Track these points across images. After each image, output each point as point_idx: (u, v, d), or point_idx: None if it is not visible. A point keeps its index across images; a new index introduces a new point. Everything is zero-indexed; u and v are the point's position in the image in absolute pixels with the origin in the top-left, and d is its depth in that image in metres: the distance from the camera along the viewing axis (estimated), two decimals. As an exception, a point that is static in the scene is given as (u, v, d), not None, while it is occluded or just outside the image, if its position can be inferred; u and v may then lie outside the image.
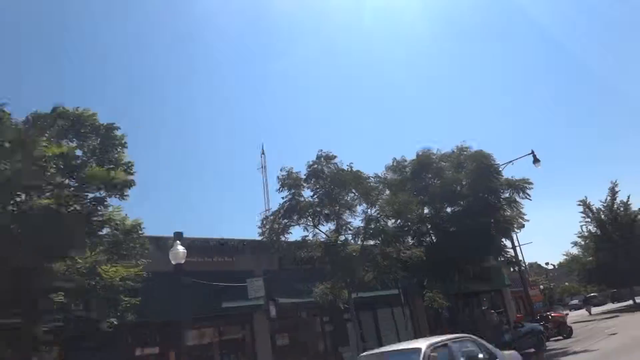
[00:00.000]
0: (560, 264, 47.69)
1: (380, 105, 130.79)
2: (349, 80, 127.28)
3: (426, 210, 22.00)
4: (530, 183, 20.97)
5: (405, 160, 22.65)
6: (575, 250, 43.46)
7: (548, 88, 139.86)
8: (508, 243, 23.21)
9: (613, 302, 63.63)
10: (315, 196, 15.98)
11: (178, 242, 12.87)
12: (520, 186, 20.95)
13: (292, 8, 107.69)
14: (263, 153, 36.05)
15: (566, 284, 68.22)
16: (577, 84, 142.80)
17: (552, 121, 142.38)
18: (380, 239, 16.35)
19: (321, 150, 16.87)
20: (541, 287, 75.35)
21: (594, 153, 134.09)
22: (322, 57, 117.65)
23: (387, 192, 19.54)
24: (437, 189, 20.79)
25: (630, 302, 48.33)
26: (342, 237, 16.67)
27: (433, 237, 21.30)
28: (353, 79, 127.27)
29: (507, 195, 21.30)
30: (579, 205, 43.08)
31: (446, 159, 21.66)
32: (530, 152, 27.44)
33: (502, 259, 22.05)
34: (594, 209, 42.88)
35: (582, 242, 42.70)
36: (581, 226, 43.10)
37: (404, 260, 17.32)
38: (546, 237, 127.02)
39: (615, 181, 42.31)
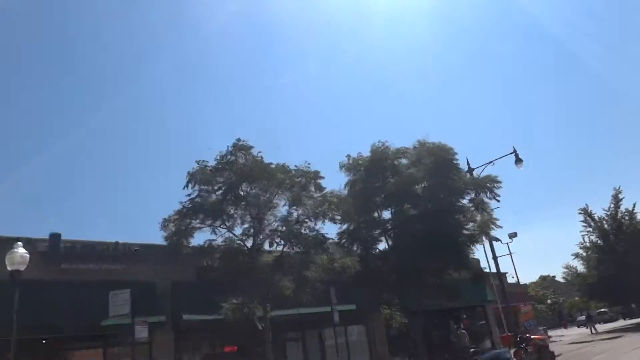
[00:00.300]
0: (564, 278, 44.04)
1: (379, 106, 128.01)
2: (349, 80, 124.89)
3: (382, 214, 19.21)
4: (498, 182, 18.05)
5: (363, 157, 19.90)
6: (576, 263, 39.92)
7: (549, 91, 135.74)
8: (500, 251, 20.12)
9: (624, 319, 59.41)
10: (220, 192, 13.32)
11: (19, 243, 10.36)
12: (487, 186, 18.00)
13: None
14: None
15: (576, 298, 63.96)
16: (578, 86, 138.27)
17: (552, 126, 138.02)
18: (297, 244, 13.58)
19: (239, 139, 14.33)
20: (548, 301, 71.06)
21: (598, 161, 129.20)
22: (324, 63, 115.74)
23: (330, 191, 16.76)
24: (392, 188, 17.95)
25: (640, 319, 44.74)
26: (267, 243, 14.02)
27: (387, 245, 18.39)
28: (353, 80, 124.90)
29: (472, 196, 18.36)
30: (580, 213, 39.72)
31: (403, 154, 18.82)
32: (512, 150, 24.75)
33: (466, 270, 18.90)
34: (596, 217, 39.49)
35: (584, 254, 39.20)
36: (582, 236, 39.71)
37: (339, 270, 14.62)
38: (551, 249, 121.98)
39: (619, 188, 39.01)
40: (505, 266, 42.27)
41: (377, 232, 18.06)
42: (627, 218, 38.42)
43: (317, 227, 14.37)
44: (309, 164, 14.11)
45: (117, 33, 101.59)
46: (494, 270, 25.83)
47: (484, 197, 18.21)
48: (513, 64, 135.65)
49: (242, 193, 13.47)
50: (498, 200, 18.15)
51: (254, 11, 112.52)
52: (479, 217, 19.11)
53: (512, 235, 35.66)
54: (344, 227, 18.19)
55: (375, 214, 18.78)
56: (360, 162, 19.49)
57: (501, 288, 24.69)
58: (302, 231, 13.90)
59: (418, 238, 16.53)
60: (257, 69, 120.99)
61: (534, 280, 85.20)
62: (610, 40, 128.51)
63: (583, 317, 65.05)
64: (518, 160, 24.36)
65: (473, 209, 18.31)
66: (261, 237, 13.45)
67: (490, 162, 24.98)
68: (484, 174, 22.69)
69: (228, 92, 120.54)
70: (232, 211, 13.22)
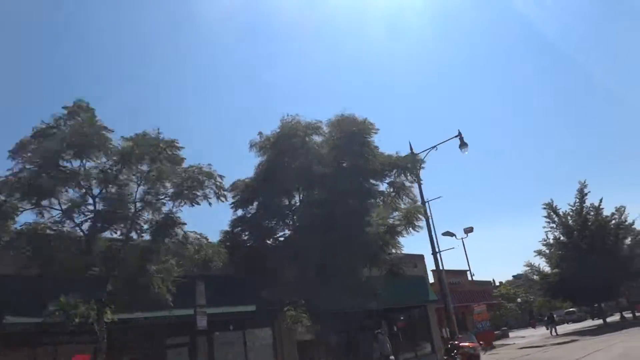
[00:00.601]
0: (524, 276, 41.73)
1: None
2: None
3: (293, 200, 16.39)
4: (420, 161, 15.36)
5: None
6: (538, 261, 37.62)
7: (546, 93, 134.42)
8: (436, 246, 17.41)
9: (592, 319, 57.70)
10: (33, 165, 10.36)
11: None
12: (407, 166, 15.28)
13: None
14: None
15: (539, 298, 62.20)
16: (578, 93, 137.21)
17: (543, 123, 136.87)
18: (138, 229, 10.69)
19: (80, 99, 11.37)
20: (518, 300, 69.15)
21: (582, 161, 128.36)
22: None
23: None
24: (298, 169, 15.14)
25: (618, 317, 42.68)
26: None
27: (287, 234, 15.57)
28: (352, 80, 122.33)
29: (392, 179, 15.62)
30: (544, 208, 37.38)
31: (316, 130, 15.99)
32: (457, 134, 22.19)
33: (380, 267, 16.13)
34: (560, 213, 37.19)
35: (547, 251, 36.92)
36: (546, 233, 37.39)
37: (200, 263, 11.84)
38: (531, 246, 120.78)
39: (584, 181, 36.74)
40: (460, 262, 39.58)
41: (274, 220, 15.22)
42: (592, 213, 36.21)
43: (176, 209, 11.44)
44: (160, 132, 11.13)
45: None
46: (467, 267, 23.44)
47: (405, 179, 15.49)
48: (504, 60, 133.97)
49: (67, 165, 10.52)
50: (420, 183, 15.51)
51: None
52: (404, 205, 16.49)
53: (468, 231, 33.37)
54: (240, 213, 15.38)
55: (284, 200, 15.97)
56: (271, 139, 16.68)
57: (440, 287, 22.08)
58: (152, 214, 10.99)
59: (317, 227, 13.79)
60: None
61: (510, 278, 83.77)
62: (590, 33, 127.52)
63: (554, 316, 63.64)
64: (462, 144, 21.90)
65: (393, 194, 15.59)
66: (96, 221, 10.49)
67: (434, 146, 22.56)
68: (427, 159, 20.17)
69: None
70: (60, 189, 10.26)
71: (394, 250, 16.63)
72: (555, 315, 63.10)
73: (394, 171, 15.24)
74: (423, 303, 24.23)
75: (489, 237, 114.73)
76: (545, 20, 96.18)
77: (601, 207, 36.51)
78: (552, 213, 37.01)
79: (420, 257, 25.35)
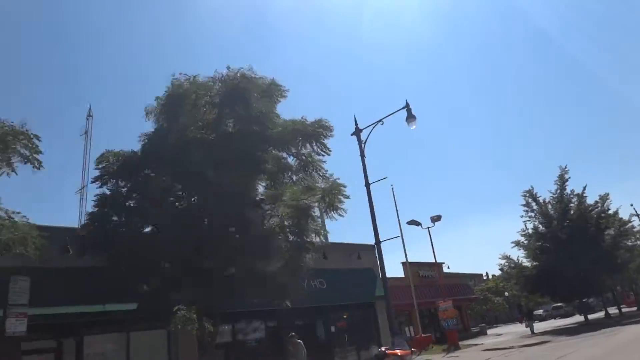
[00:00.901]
0: (500, 270, 38.94)
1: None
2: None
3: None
4: (328, 128, 12.49)
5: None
6: (516, 252, 34.70)
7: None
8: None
9: (580, 314, 54.96)
10: None
11: None
12: (314, 133, 12.38)
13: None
14: (90, 115, 27.61)
15: (514, 292, 59.33)
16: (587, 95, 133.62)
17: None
18: None
19: None
20: (506, 294, 66.37)
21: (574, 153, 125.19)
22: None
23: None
24: (178, 136, 12.27)
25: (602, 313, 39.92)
26: None
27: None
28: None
29: (298, 149, 12.69)
30: (524, 196, 34.46)
31: (209, 91, 13.02)
32: (404, 105, 19.32)
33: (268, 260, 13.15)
34: (541, 201, 34.28)
35: (525, 242, 34.03)
36: (524, 223, 34.50)
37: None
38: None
39: (565, 167, 33.73)
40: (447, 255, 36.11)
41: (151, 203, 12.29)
42: (574, 201, 33.29)
43: None
44: None
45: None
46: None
47: (312, 151, 12.63)
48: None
49: None
50: (328, 154, 12.68)
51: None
52: (322, 185, 13.65)
53: (435, 219, 30.49)
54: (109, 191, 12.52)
55: (166, 179, 13.08)
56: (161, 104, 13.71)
57: (385, 280, 19.26)
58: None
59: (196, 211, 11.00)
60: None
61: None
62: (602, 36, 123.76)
63: (541, 312, 60.85)
64: (410, 117, 19.06)
65: (299, 165, 12.72)
66: None
67: (380, 120, 19.93)
68: (372, 137, 17.41)
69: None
70: None
71: (317, 238, 13.86)
72: (540, 311, 61.33)
73: (299, 140, 12.32)
74: (369, 300, 21.46)
75: (483, 229, 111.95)
76: None
77: (584, 194, 33.61)
78: (531, 201, 34.13)
79: (368, 248, 22.52)
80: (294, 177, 13.10)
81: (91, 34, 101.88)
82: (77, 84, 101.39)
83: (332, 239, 16.07)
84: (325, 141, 12.48)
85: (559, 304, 56.17)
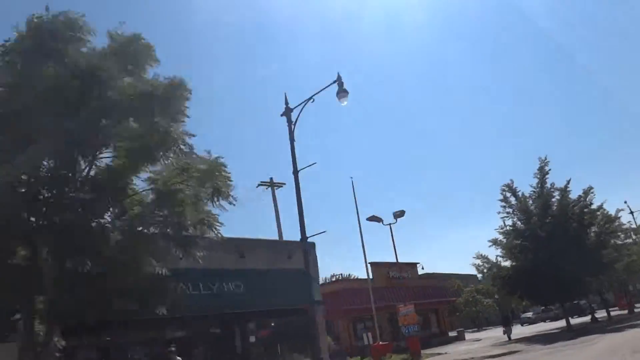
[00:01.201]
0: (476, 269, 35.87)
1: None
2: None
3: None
4: (184, 88, 9.62)
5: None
6: (493, 252, 31.79)
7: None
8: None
9: (572, 317, 52.00)
10: None
11: None
12: (167, 96, 9.46)
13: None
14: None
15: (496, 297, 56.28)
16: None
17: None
18: None
19: None
20: (496, 296, 63.34)
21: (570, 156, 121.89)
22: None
23: None
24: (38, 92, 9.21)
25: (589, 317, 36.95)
26: None
27: None
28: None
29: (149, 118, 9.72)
30: (502, 191, 31.51)
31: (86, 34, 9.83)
32: (335, 78, 16.57)
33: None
34: (520, 195, 31.36)
35: (504, 240, 31.09)
36: (503, 219, 31.55)
37: None
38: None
39: (545, 158, 30.74)
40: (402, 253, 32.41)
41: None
42: (556, 195, 30.37)
43: None
44: None
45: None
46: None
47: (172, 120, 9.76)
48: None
49: None
50: (184, 121, 9.80)
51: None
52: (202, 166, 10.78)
53: (398, 215, 27.61)
54: None
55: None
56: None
57: (310, 280, 16.40)
58: None
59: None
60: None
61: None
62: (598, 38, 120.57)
63: (530, 315, 57.88)
64: (341, 92, 16.34)
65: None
66: None
67: (311, 97, 17.45)
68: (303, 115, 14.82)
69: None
70: None
71: (202, 232, 11.02)
72: (530, 314, 58.29)
73: (150, 107, 9.41)
74: (303, 304, 18.54)
75: (475, 227, 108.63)
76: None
77: (568, 189, 30.67)
78: (509, 196, 31.20)
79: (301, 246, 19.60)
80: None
81: None
82: None
83: (260, 234, 13.22)
84: (183, 106, 9.60)
85: (548, 307, 53.26)
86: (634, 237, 36.82)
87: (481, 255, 30.58)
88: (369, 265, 34.17)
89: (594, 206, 29.77)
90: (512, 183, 31.53)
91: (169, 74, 10.09)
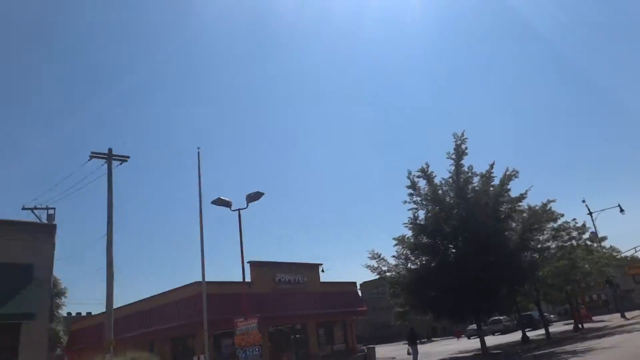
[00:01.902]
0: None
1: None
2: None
3: None
4: None
5: None
6: (393, 252, 25.04)
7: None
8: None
9: (523, 330, 45.51)
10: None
11: None
12: None
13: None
14: None
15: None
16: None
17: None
18: None
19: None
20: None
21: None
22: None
23: None
24: None
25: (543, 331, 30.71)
26: None
27: None
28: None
29: None
30: (409, 176, 24.88)
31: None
32: None
33: None
34: (436, 182, 24.80)
35: (412, 238, 24.42)
36: (413, 212, 24.83)
37: None
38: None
39: (462, 134, 24.10)
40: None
41: None
42: (475, 182, 23.89)
43: None
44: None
45: None
46: None
47: None
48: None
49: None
50: None
51: None
52: None
53: (253, 198, 20.88)
54: None
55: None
56: None
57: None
58: None
59: None
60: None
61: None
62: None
63: (474, 327, 51.31)
64: None
65: None
66: None
67: None
68: None
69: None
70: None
71: None
72: (473, 328, 51.53)
73: None
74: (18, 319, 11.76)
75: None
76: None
77: (492, 174, 24.14)
78: (418, 181, 24.59)
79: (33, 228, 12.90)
80: None
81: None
82: None
83: None
84: None
85: (496, 317, 46.75)
86: (584, 237, 30.39)
87: (376, 254, 23.83)
88: (249, 265, 27.82)
89: (509, 192, 23.19)
90: (428, 167, 24.92)
91: None
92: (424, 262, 23.63)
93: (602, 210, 44.54)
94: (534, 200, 26.09)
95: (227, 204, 20.54)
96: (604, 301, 60.71)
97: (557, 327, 41.27)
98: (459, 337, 53.23)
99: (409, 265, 23.89)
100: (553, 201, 24.32)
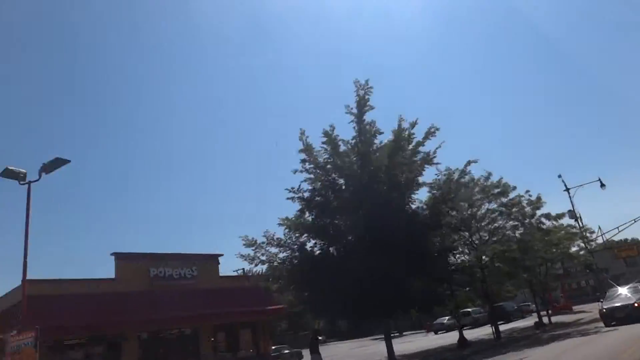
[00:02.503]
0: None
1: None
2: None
3: None
4: None
5: None
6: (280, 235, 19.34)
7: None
8: None
9: (492, 326, 39.98)
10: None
11: None
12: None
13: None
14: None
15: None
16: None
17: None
18: None
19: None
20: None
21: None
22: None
23: None
24: None
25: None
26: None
27: None
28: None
29: None
30: (301, 137, 19.07)
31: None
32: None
33: None
34: (341, 144, 19.00)
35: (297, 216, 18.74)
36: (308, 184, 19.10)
37: None
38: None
39: (366, 83, 18.04)
40: None
41: None
42: (377, 141, 18.16)
43: None
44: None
45: None
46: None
47: None
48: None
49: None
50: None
51: None
52: None
53: (50, 168, 15.33)
54: None
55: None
56: None
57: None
58: None
59: None
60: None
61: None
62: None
63: (444, 321, 45.84)
64: None
65: None
66: None
67: None
68: None
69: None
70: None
71: None
72: (445, 319, 46.28)
73: None
74: None
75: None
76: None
77: (413, 135, 18.29)
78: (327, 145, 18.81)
79: None
80: None
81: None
82: None
83: None
84: None
85: (467, 309, 41.12)
86: (538, 214, 24.67)
87: (252, 240, 18.13)
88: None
89: (420, 156, 17.38)
90: (333, 130, 19.01)
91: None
92: (314, 249, 18.07)
93: (580, 185, 38.60)
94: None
95: (17, 176, 15.04)
96: (593, 287, 54.78)
97: (525, 322, 35.80)
98: (428, 331, 47.87)
99: (296, 253, 18.23)
100: (474, 161, 18.46)
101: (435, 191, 17.46)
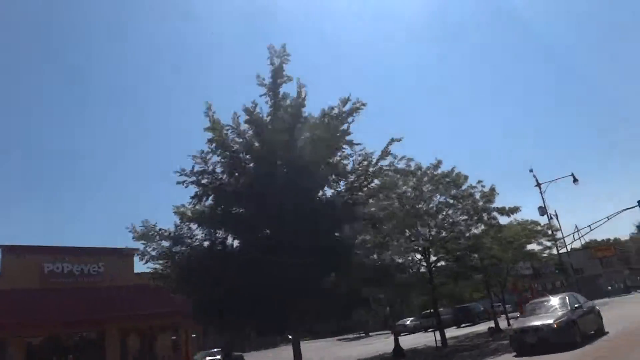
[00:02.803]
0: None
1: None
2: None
3: None
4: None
5: None
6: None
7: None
8: None
9: (457, 326, 37.82)
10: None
11: None
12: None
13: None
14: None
15: None
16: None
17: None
18: None
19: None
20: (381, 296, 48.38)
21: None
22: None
23: None
24: None
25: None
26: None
27: None
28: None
29: None
30: (206, 110, 16.16)
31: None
32: None
33: None
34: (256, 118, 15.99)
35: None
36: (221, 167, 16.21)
37: None
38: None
39: (283, 49, 14.88)
40: None
41: None
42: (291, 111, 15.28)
43: None
44: None
45: None
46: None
47: None
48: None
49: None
50: None
51: None
52: None
53: None
54: None
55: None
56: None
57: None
58: None
59: None
60: None
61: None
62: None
63: (408, 322, 43.46)
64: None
65: None
66: None
67: None
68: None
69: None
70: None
71: None
72: (408, 321, 43.80)
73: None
74: None
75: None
76: None
77: (333, 111, 15.49)
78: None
79: None
80: None
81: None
82: None
83: None
84: None
85: (427, 311, 38.69)
86: (491, 207, 22.08)
87: (150, 224, 15.13)
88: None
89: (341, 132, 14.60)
90: (255, 107, 16.05)
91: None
92: (214, 243, 15.31)
93: (553, 180, 36.32)
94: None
95: None
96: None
97: (488, 325, 33.33)
98: (392, 332, 45.44)
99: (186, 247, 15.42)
100: (398, 139, 15.49)
101: (350, 176, 14.71)
